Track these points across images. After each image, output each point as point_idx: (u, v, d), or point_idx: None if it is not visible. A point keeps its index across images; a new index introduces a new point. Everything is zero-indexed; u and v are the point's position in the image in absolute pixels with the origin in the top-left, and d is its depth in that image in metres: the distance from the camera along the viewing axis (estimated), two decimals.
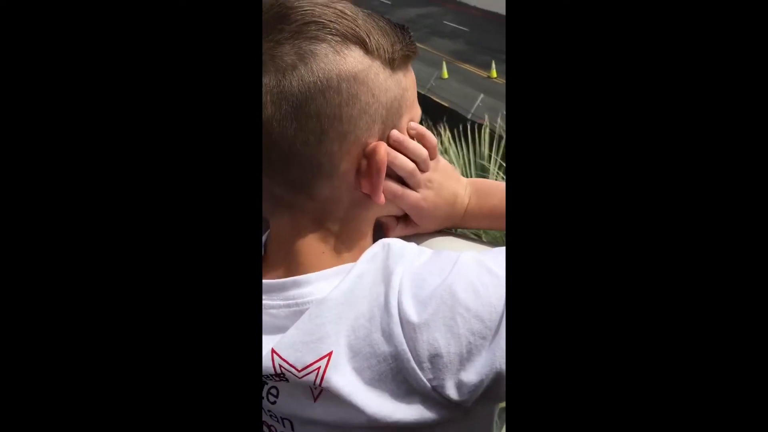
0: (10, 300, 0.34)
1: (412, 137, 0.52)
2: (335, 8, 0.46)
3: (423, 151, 0.53)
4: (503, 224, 0.56)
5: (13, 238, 0.34)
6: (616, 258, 0.34)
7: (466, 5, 18.15)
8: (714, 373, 0.33)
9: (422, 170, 0.53)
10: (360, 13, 0.48)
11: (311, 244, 0.50)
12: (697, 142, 0.34)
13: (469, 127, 2.86)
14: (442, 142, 2.78)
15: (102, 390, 0.34)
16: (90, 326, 0.34)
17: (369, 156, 0.48)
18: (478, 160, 2.78)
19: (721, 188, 0.33)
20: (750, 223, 0.33)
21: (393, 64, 0.49)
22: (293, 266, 0.50)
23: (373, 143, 0.49)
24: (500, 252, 0.48)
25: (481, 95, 11.47)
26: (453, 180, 0.57)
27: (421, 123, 0.54)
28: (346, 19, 0.46)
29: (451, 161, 2.68)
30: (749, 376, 0.32)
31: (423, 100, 2.05)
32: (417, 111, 0.53)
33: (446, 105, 11.09)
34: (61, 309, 0.34)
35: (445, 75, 13.27)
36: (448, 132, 2.93)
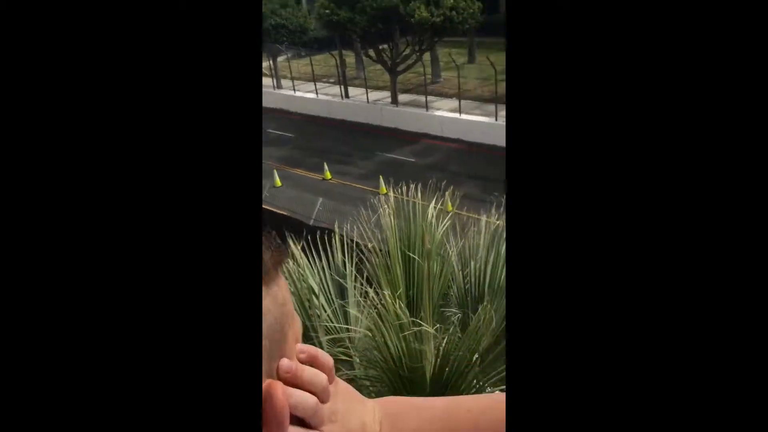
0: (7, 300, 0.35)
1: (302, 362, 0.46)
2: None
3: (321, 378, 0.47)
4: None
5: (8, 236, 0.35)
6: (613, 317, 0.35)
7: (287, 111, 19.52)
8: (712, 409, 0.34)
9: (323, 401, 0.48)
10: None
11: None
12: (699, 185, 0.34)
13: (318, 235, 2.85)
14: (293, 255, 2.77)
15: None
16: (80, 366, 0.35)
17: (264, 401, 0.42)
18: (333, 271, 2.77)
19: (721, 216, 0.34)
20: (748, 226, 0.34)
21: (266, 279, 0.42)
22: None
23: (264, 384, 0.42)
24: None
25: (321, 199, 11.59)
26: (357, 405, 0.53)
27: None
28: None
29: (305, 273, 2.65)
30: (748, 377, 0.33)
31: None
32: (298, 322, 0.48)
33: (286, 214, 11.06)
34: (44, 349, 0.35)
35: (278, 183, 13.46)
36: (297, 243, 2.86)
